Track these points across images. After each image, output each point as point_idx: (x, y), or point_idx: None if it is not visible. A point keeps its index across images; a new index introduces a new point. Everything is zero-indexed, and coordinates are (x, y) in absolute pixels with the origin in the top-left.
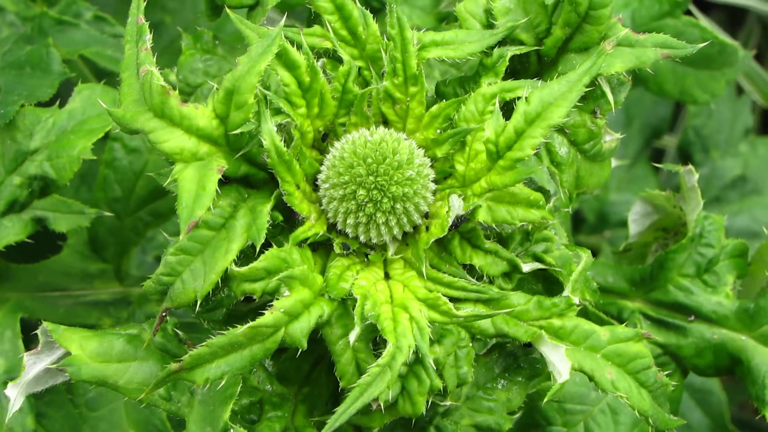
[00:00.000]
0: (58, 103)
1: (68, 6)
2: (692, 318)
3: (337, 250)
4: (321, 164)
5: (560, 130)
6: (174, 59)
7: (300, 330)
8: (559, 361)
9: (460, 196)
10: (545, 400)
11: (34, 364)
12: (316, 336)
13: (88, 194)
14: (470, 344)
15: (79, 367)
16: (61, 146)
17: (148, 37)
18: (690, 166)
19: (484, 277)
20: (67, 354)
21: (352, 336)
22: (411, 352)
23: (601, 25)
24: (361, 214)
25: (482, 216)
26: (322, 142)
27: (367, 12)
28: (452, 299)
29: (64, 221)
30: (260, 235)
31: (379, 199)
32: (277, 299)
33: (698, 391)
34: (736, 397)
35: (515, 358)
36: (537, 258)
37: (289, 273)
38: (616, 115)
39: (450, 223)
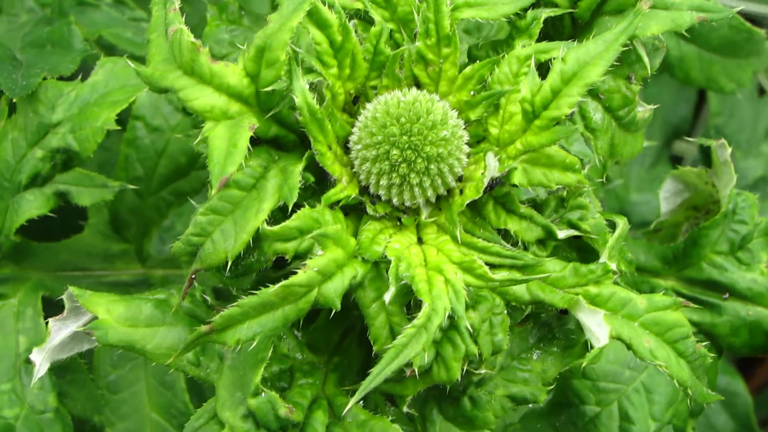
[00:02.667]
0: (80, 77)
1: None
2: (727, 296)
3: (369, 211)
4: (352, 127)
5: (595, 95)
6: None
7: (333, 290)
8: (598, 326)
9: (495, 156)
10: (584, 363)
11: (60, 330)
12: (347, 302)
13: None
14: (505, 311)
15: (106, 331)
16: (84, 118)
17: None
18: (723, 140)
19: (519, 244)
20: (94, 319)
21: (387, 296)
22: (446, 315)
23: None
24: (394, 175)
25: (517, 178)
26: (353, 105)
27: None
28: (487, 265)
29: (87, 195)
30: (292, 194)
31: (413, 159)
32: (310, 259)
33: (723, 393)
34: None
35: (550, 329)
36: (572, 225)
37: (322, 231)
38: None
39: (485, 184)
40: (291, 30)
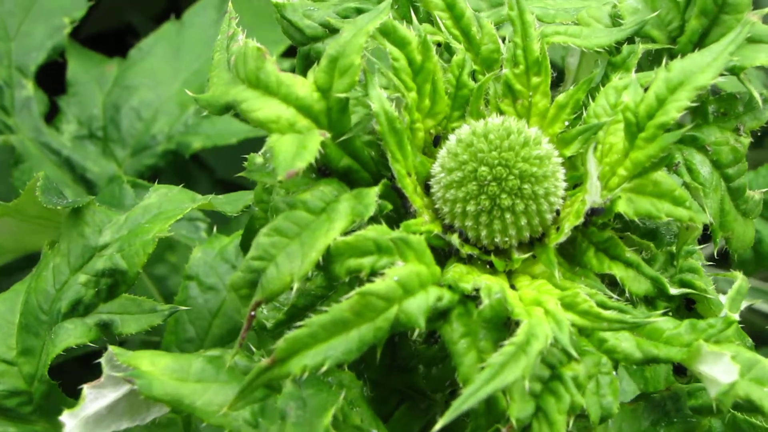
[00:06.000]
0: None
1: None
2: None
3: (457, 245)
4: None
5: (701, 147)
6: None
7: (417, 306)
8: (724, 372)
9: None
10: (713, 395)
11: (95, 400)
12: (428, 385)
13: None
14: (614, 373)
15: (149, 381)
16: (134, 235)
17: (241, 36)
18: None
19: (625, 299)
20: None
21: (481, 305)
22: (548, 342)
23: (740, 13)
24: (482, 198)
25: (622, 207)
26: (434, 146)
27: (480, 15)
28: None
29: (133, 323)
30: (368, 210)
31: (504, 176)
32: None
33: None
34: None
35: (665, 411)
36: (684, 283)
37: (403, 236)
38: None
39: (587, 208)
40: (367, 33)
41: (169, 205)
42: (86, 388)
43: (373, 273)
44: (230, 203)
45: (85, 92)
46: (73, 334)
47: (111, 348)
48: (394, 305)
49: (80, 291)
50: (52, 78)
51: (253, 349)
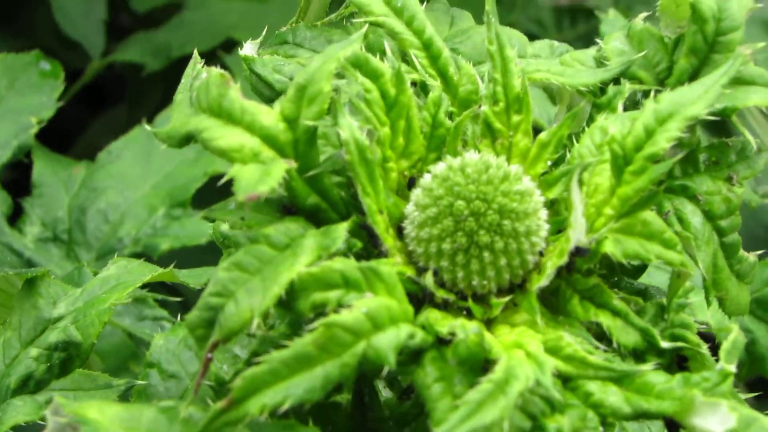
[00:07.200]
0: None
1: None
2: None
3: (431, 289)
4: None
5: (692, 197)
6: None
7: (387, 342)
8: (721, 420)
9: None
10: None
11: None
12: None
13: None
14: (600, 429)
15: (95, 429)
16: (90, 306)
17: (204, 74)
18: None
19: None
20: None
21: (458, 338)
22: (529, 384)
23: (731, 51)
24: (459, 234)
25: (609, 247)
26: (408, 189)
27: (458, 57)
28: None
29: (87, 399)
30: (335, 243)
31: (483, 211)
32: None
33: None
34: None
35: None
36: (676, 338)
37: (372, 266)
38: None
39: (571, 247)
40: (337, 61)
41: (128, 277)
42: None
43: (340, 308)
44: (193, 276)
45: (50, 194)
46: (22, 411)
47: (56, 398)
48: (362, 339)
49: (31, 366)
50: (15, 180)
51: (210, 403)
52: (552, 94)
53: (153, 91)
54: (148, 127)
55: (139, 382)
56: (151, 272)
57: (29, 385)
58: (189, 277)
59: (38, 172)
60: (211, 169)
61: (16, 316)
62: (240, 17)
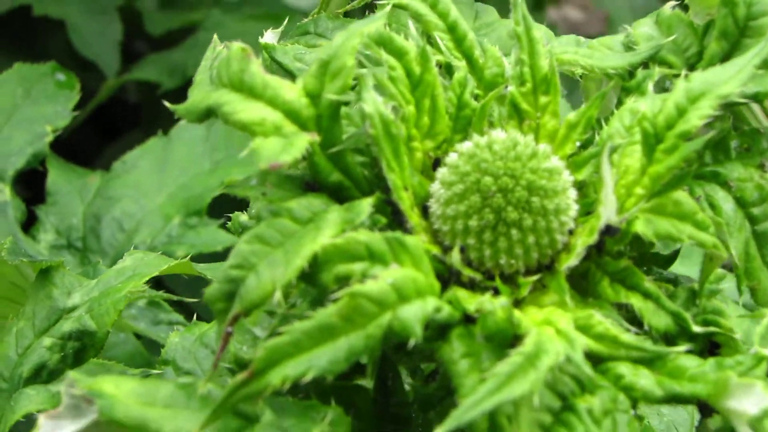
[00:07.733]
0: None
1: None
2: None
3: (457, 267)
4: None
5: (723, 183)
6: None
7: (413, 314)
8: (755, 404)
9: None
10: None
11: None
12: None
13: None
14: (632, 412)
15: (111, 403)
16: (105, 295)
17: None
18: None
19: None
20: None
21: (486, 311)
22: (560, 359)
23: (762, 36)
24: (486, 211)
25: (640, 227)
26: (433, 170)
27: (484, 41)
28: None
29: None
30: (359, 216)
31: (510, 187)
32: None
33: None
34: None
35: None
36: (709, 323)
37: (398, 236)
38: None
39: (602, 225)
40: (361, 36)
41: (144, 268)
42: (42, 418)
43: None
44: (211, 270)
45: (65, 202)
46: (34, 401)
47: (71, 373)
48: (387, 311)
49: (44, 355)
50: (30, 188)
51: (229, 381)
52: (575, 86)
53: (168, 115)
54: (167, 104)
55: (155, 371)
56: (167, 264)
57: (42, 375)
58: (207, 270)
59: (53, 181)
60: (228, 179)
61: (29, 306)
62: (255, 38)
